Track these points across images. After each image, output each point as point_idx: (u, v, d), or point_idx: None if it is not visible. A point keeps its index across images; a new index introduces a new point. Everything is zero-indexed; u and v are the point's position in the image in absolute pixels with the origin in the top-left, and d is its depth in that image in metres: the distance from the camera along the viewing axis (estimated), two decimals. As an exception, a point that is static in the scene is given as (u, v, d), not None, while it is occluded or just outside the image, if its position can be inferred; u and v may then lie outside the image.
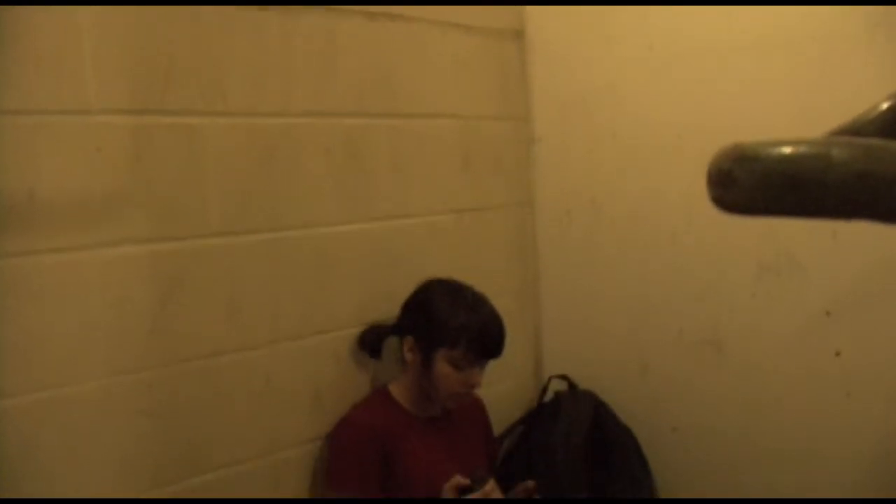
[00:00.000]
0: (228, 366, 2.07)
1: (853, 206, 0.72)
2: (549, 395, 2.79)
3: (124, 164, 1.88)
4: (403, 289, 2.42)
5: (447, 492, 2.08)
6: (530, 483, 2.23)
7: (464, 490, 2.09)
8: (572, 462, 2.52)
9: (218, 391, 2.06)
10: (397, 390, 2.27)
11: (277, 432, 2.19)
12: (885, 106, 0.86)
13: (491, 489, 2.09)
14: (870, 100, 0.89)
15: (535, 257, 2.87)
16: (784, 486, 2.41)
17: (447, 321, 2.17)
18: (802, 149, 0.72)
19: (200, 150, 2.01)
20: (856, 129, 0.86)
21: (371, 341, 2.30)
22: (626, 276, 2.67)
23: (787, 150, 0.72)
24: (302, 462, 2.24)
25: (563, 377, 2.76)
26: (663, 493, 2.62)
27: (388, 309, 2.38)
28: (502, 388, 2.61)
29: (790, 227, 2.31)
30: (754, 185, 0.73)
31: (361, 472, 2.15)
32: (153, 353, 1.94)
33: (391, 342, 2.32)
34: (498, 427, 2.57)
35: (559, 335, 2.86)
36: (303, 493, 2.25)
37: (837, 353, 2.29)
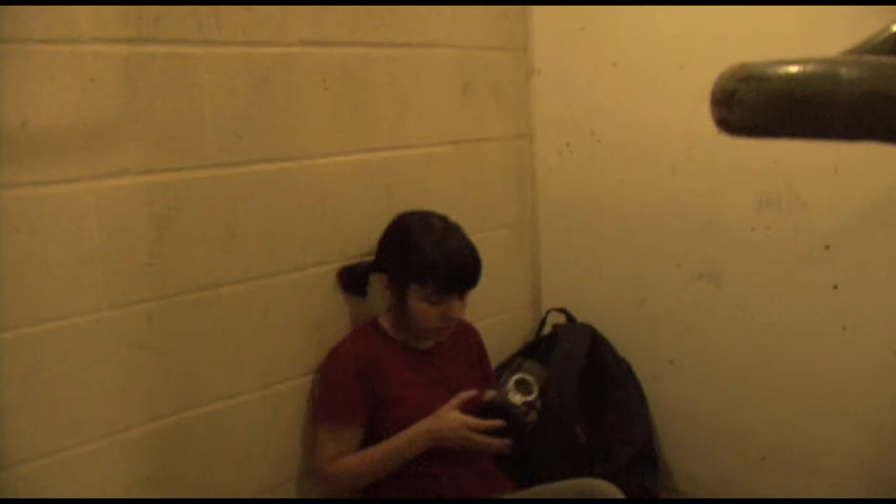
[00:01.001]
0: (226, 297, 2.07)
1: (860, 127, 0.70)
2: (547, 328, 2.80)
3: (118, 95, 1.86)
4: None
5: (452, 408, 2.07)
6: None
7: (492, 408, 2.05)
8: (568, 393, 2.53)
9: (216, 323, 2.06)
10: (386, 322, 2.27)
11: (276, 364, 2.19)
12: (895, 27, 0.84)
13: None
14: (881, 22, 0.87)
15: (533, 189, 2.86)
16: (780, 417, 2.43)
17: (414, 257, 2.12)
18: (810, 68, 0.70)
19: (196, 80, 1.99)
20: (866, 51, 0.84)
21: (350, 282, 2.30)
22: (626, 209, 2.66)
23: (793, 69, 0.70)
24: (300, 393, 2.25)
25: (562, 310, 2.76)
26: (659, 425, 2.65)
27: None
28: (500, 320, 2.62)
29: (791, 161, 2.30)
30: (760, 105, 0.71)
31: (347, 403, 2.16)
32: (151, 286, 1.93)
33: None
34: (495, 359, 2.58)
35: (557, 267, 2.86)
36: (301, 425, 2.27)
37: (835, 287, 2.29)
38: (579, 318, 2.75)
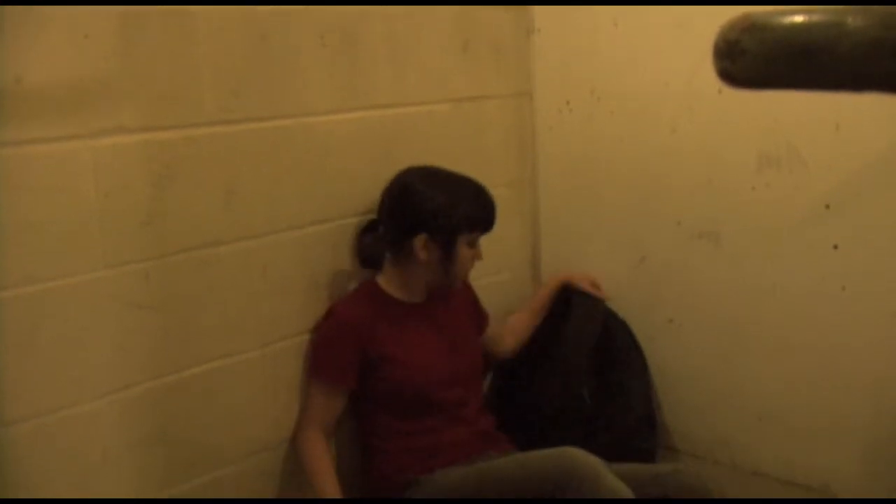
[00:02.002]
0: (225, 256, 2.07)
1: (867, 77, 0.69)
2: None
3: (114, 52, 1.84)
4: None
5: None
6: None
7: None
8: (578, 357, 2.55)
9: (214, 282, 2.06)
10: (385, 280, 2.28)
11: (275, 322, 2.20)
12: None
13: None
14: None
15: (533, 148, 2.85)
16: (778, 378, 2.43)
17: (461, 208, 2.19)
18: (815, 16, 0.69)
19: (193, 37, 1.97)
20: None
21: (374, 257, 2.31)
22: (626, 167, 2.64)
23: (798, 18, 0.69)
24: (299, 352, 2.26)
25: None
26: (658, 385, 2.65)
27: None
28: (499, 279, 2.62)
29: (792, 120, 2.28)
30: (764, 55, 0.70)
31: (339, 364, 2.19)
32: (149, 244, 1.93)
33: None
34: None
35: (557, 226, 2.85)
36: (300, 384, 2.27)
37: (835, 247, 2.28)
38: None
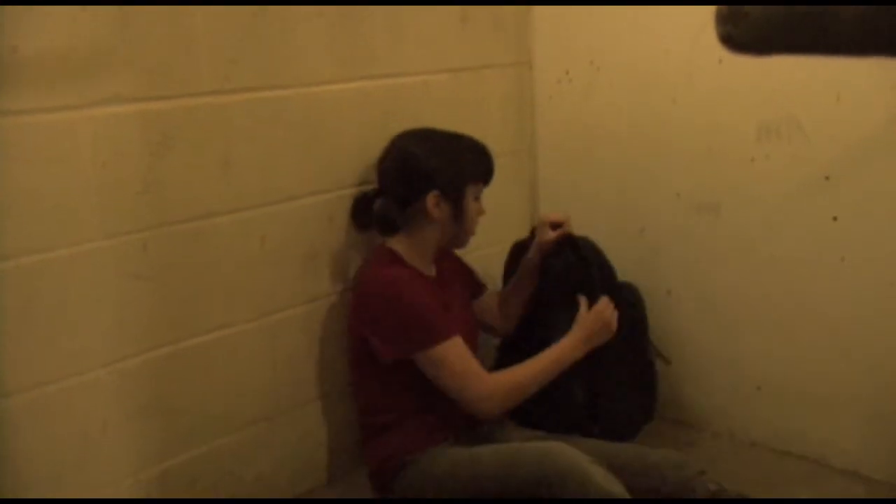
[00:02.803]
0: (223, 227, 2.06)
1: (870, 42, 0.68)
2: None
3: (110, 21, 1.83)
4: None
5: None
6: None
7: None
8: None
9: (212, 252, 2.06)
10: (402, 249, 2.21)
11: (272, 293, 2.20)
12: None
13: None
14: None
15: (532, 118, 2.83)
16: (776, 349, 2.44)
17: (466, 157, 2.22)
18: (819, -21, 0.68)
19: (190, 7, 1.96)
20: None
21: (385, 222, 2.24)
22: (625, 138, 2.63)
23: (802, -20, 0.68)
24: (297, 323, 2.26)
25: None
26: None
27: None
28: (498, 250, 2.61)
29: (792, 90, 2.27)
30: (766, 18, 0.69)
31: (441, 313, 2.12)
32: (146, 215, 1.93)
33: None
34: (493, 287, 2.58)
35: (556, 196, 2.85)
36: (298, 355, 2.28)
37: (834, 218, 2.28)
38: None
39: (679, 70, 2.47)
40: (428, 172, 2.17)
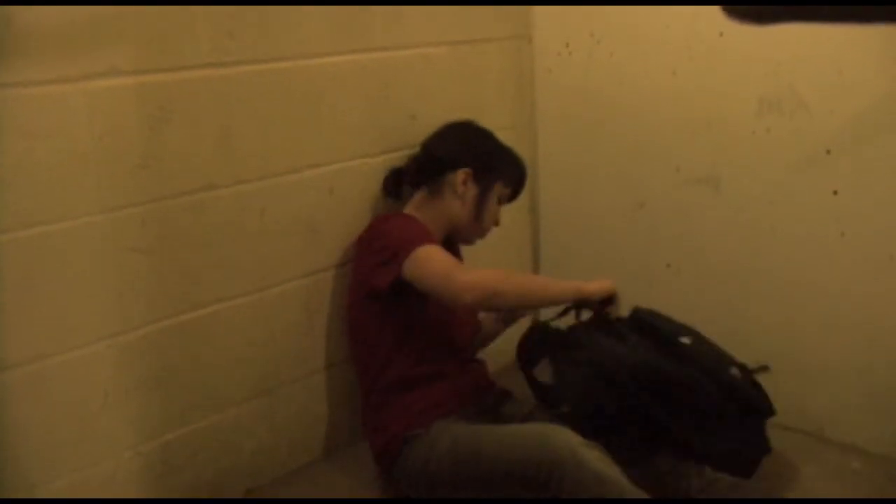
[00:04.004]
0: (222, 200, 2.06)
1: (874, 7, 0.66)
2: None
3: (107, -9, 1.81)
4: (397, 122, 2.39)
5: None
6: None
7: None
8: None
9: (211, 225, 2.05)
10: (419, 215, 2.27)
11: (272, 267, 2.19)
12: None
13: None
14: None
15: (531, 91, 2.82)
16: (776, 322, 2.44)
17: (506, 157, 2.32)
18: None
19: (187, -22, 1.94)
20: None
21: (394, 186, 2.35)
22: (625, 112, 2.62)
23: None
24: (297, 296, 2.26)
25: None
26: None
27: (382, 142, 2.36)
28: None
29: (794, 63, 2.26)
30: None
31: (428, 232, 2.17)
32: (144, 188, 1.92)
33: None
34: (491, 264, 2.57)
35: (555, 170, 2.84)
36: (297, 329, 2.28)
37: (835, 192, 2.27)
38: (576, 222, 2.72)
39: (680, 43, 2.45)
40: (475, 149, 2.28)
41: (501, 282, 2.04)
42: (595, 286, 2.09)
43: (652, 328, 2.10)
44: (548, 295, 2.11)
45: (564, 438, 1.87)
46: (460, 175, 2.24)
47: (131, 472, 2.00)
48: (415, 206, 2.29)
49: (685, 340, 2.08)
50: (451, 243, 2.35)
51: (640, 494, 1.79)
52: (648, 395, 1.94)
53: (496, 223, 2.35)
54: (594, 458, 1.83)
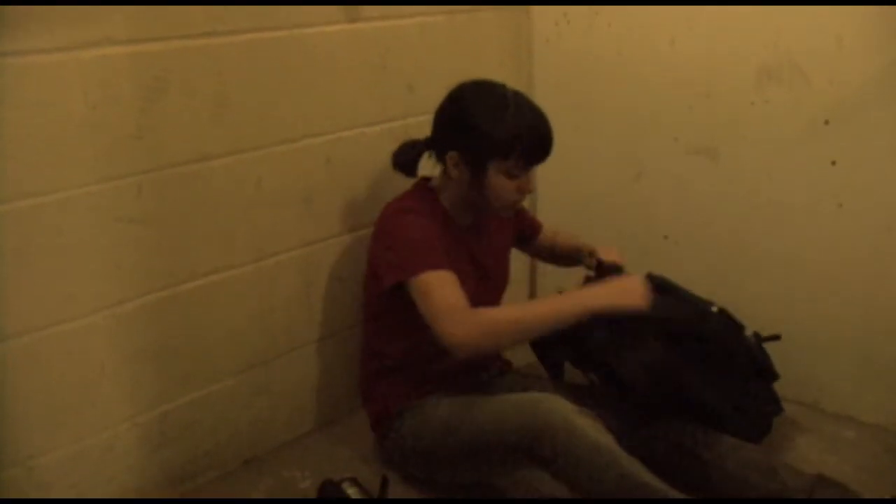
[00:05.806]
0: (217, 170, 2.05)
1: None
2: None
3: (100, -40, 1.79)
4: (394, 91, 2.38)
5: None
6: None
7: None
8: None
9: (207, 196, 2.04)
10: (443, 194, 2.13)
11: (268, 237, 2.19)
12: None
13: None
14: None
15: (529, 61, 2.80)
16: (773, 294, 2.44)
17: (494, 132, 1.99)
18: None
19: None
20: None
21: (405, 161, 2.16)
22: (623, 82, 2.61)
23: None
24: (293, 266, 2.25)
25: None
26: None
27: (379, 111, 2.35)
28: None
29: (793, 33, 2.25)
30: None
31: (439, 250, 1.99)
32: (140, 158, 1.91)
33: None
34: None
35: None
36: (294, 299, 2.27)
37: (833, 163, 2.27)
38: (574, 192, 2.71)
39: (678, 11, 2.43)
40: (456, 130, 2.05)
41: (490, 334, 1.92)
42: (603, 297, 1.97)
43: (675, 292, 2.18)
44: (548, 325, 1.96)
45: (557, 406, 1.86)
46: (450, 159, 2.06)
47: (129, 443, 2.01)
48: (439, 179, 2.15)
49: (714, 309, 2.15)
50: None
51: (633, 463, 1.78)
52: (682, 359, 2.04)
53: (524, 192, 2.10)
54: (587, 426, 1.82)
